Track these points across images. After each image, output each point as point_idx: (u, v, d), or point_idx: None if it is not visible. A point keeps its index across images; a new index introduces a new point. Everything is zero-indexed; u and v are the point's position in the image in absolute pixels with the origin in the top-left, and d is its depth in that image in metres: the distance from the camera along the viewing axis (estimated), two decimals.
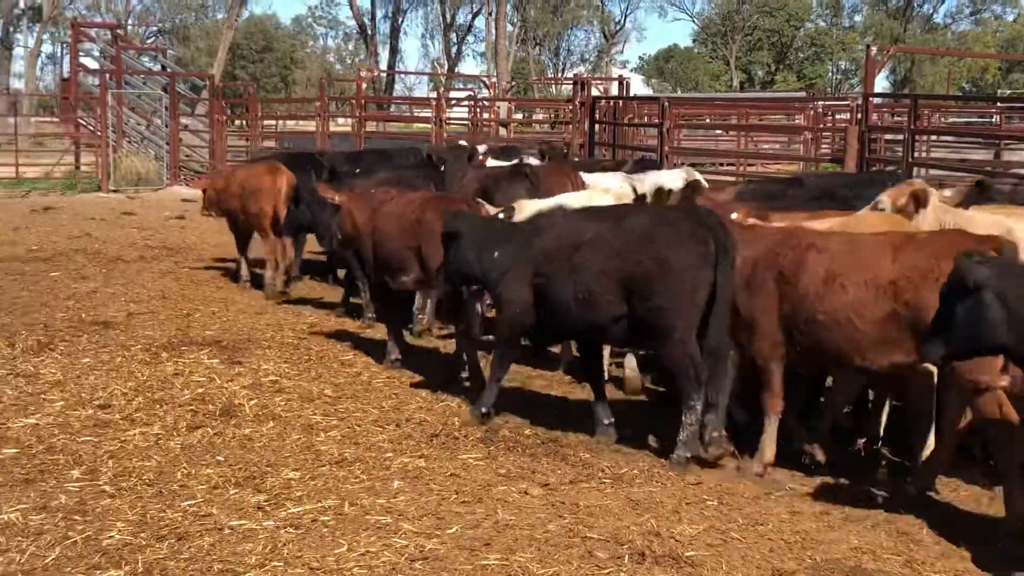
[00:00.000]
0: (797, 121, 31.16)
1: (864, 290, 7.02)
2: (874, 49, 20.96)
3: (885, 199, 8.59)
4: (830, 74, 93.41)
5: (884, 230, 7.72)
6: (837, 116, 29.62)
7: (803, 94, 54.30)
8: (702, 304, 7.61)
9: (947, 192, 8.87)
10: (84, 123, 34.02)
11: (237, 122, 37.32)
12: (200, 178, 17.37)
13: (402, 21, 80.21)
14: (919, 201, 8.43)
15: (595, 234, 8.02)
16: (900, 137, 19.00)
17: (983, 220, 8.06)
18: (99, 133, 30.85)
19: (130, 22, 76.75)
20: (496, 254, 8.49)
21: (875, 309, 6.95)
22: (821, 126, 27.49)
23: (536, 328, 8.51)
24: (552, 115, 41.46)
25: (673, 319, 7.65)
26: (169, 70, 36.85)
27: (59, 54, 65.30)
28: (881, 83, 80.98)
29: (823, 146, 28.01)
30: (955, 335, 5.98)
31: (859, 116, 17.01)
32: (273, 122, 37.76)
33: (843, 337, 7.12)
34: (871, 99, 17.97)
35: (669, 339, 7.70)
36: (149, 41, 75.24)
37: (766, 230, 8.07)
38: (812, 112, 28.41)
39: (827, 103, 34.11)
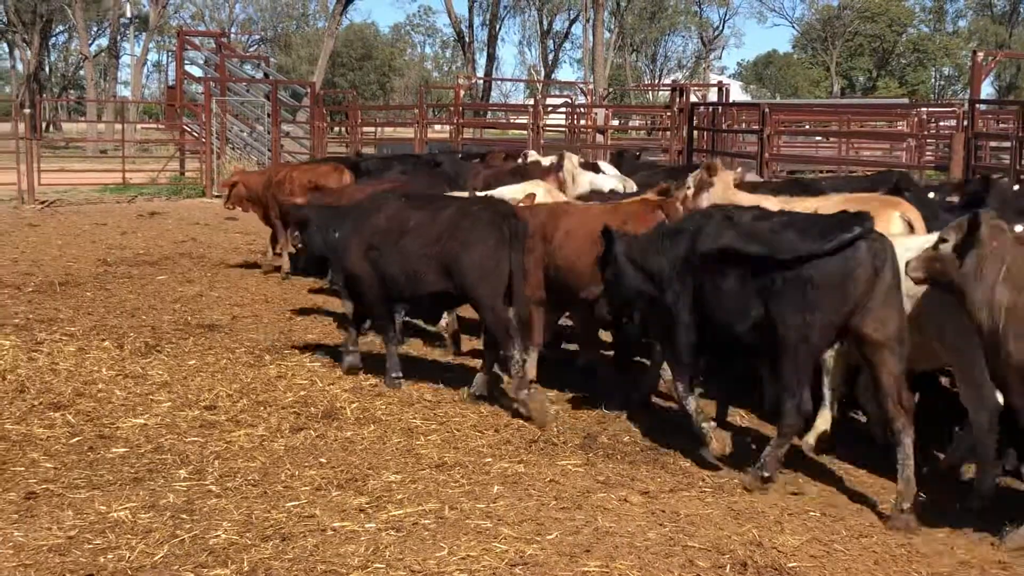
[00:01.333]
0: (900, 128, 30.64)
1: (586, 242, 8.90)
2: (980, 54, 20.51)
3: (690, 178, 10.32)
4: (933, 80, 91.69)
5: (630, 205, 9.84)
6: (941, 123, 29.06)
7: (906, 100, 53.37)
8: (504, 276, 9.15)
9: (739, 170, 10.60)
10: (189, 130, 34.64)
11: (337, 129, 37.75)
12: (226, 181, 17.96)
13: (499, 28, 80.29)
14: (709, 171, 10.16)
15: (417, 220, 9.55)
16: (1006, 144, 18.60)
17: (743, 198, 9.67)
18: (203, 140, 31.43)
19: (233, 31, 78.18)
20: (337, 235, 9.93)
21: (591, 254, 8.62)
22: (925, 133, 26.94)
23: (375, 297, 9.85)
24: (649, 121, 41.31)
25: (481, 289, 9.19)
26: (271, 78, 37.37)
27: (164, 62, 67.10)
28: (986, 90, 79.25)
29: (927, 153, 27.49)
30: (609, 290, 8.30)
31: (965, 123, 16.70)
32: (372, 129, 38.13)
33: (573, 276, 9.24)
34: (977, 105, 17.61)
35: (481, 305, 9.29)
36: (252, 49, 76.60)
37: (542, 206, 10.26)
38: (916, 119, 27.88)
39: (931, 110, 33.53)
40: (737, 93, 67.58)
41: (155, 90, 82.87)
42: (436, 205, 9.73)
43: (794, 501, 7.13)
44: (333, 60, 70.55)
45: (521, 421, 8.82)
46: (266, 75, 38.60)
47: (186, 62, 37.40)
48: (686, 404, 7.96)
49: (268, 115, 32.06)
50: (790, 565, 6.02)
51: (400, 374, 9.88)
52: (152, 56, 78.49)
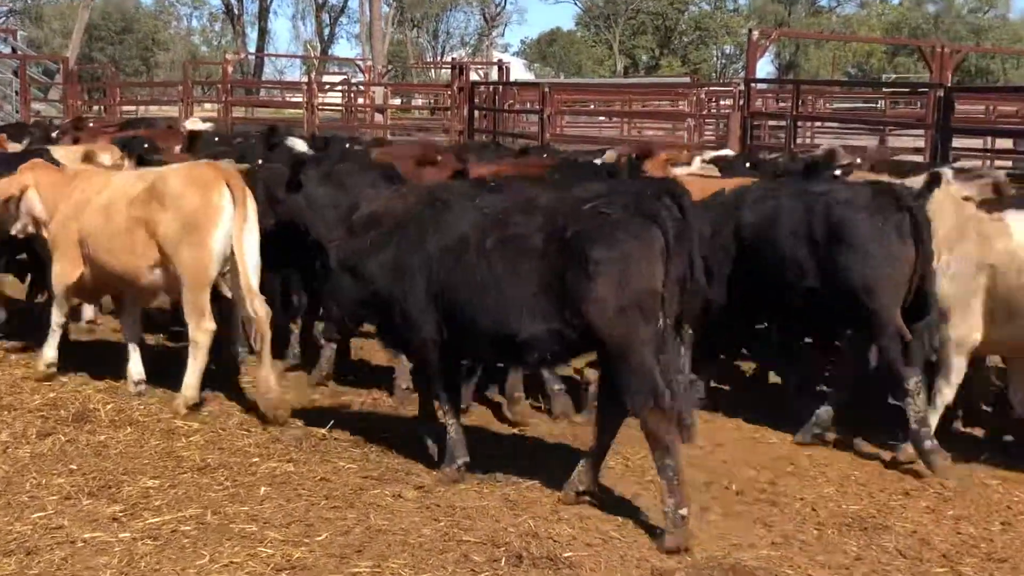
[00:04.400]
0: (681, 107, 31.50)
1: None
2: (756, 33, 21.36)
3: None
4: (715, 59, 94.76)
5: None
6: (721, 102, 29.92)
7: (687, 80, 55.00)
8: None
9: None
10: None
11: (95, 108, 36.45)
12: None
13: (271, 1, 79.25)
14: (87, 159, 11.39)
15: None
16: (784, 123, 19.27)
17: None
18: None
19: None
20: None
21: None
22: (704, 112, 27.78)
23: None
24: (432, 100, 41.40)
25: None
26: (20, 52, 35.89)
27: None
28: (767, 68, 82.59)
29: (707, 133, 28.36)
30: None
31: (741, 102, 17.32)
32: (133, 107, 37.03)
33: None
34: (753, 85, 18.28)
35: None
36: None
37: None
38: (695, 98, 28.68)
39: (711, 89, 34.58)
40: (520, 71, 68.41)
41: None
42: None
43: None
44: (90, 33, 68.15)
45: (292, 418, 8.68)
46: (14, 50, 37.02)
47: None
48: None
49: (16, 93, 30.81)
50: (566, 555, 6.13)
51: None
52: None
